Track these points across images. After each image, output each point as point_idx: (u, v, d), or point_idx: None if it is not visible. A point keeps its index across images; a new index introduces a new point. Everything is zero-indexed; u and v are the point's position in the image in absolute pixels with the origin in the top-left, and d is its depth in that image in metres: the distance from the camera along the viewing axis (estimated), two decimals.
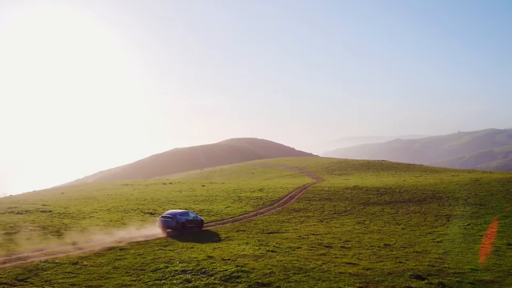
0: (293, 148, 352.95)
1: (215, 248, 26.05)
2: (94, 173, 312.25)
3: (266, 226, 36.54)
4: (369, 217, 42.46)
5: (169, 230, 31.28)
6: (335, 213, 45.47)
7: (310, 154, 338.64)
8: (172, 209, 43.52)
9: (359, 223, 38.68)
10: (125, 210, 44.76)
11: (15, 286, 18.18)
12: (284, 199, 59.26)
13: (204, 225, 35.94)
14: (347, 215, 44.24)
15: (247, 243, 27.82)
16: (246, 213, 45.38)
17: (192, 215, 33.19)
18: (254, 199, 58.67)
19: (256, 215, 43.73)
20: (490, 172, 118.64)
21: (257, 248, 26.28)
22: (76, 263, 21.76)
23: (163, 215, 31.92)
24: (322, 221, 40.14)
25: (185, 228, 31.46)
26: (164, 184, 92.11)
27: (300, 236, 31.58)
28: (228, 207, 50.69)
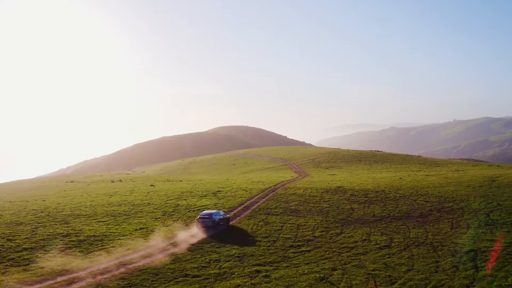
0: (286, 136, 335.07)
1: None
2: (78, 162, 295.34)
3: None
4: (344, 259, 25.32)
5: (204, 228, 32.95)
6: (291, 246, 28.52)
7: (303, 143, 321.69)
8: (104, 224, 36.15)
9: (321, 279, 21.49)
10: None
11: None
12: (236, 210, 42.37)
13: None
14: (309, 251, 27.19)
15: None
16: (147, 248, 28.12)
17: (221, 213, 35.31)
18: (195, 211, 41.80)
19: (152, 256, 26.12)
20: (498, 166, 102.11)
21: None
22: None
23: (200, 216, 33.98)
24: (258, 272, 23.02)
25: (218, 226, 33.77)
26: (112, 182, 75.32)
27: None
28: (141, 228, 33.86)
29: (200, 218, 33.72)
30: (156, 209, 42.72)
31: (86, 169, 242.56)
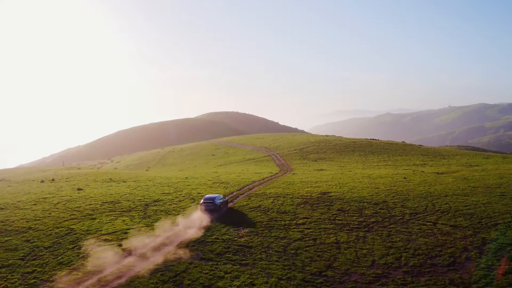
0: (277, 122, 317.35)
1: None
2: (62, 150, 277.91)
3: None
4: None
5: (208, 212, 33.31)
6: None
7: (295, 129, 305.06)
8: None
9: None
10: None
11: None
12: (152, 244, 26.15)
13: None
14: None
15: None
16: None
17: (221, 197, 35.88)
18: (85, 245, 25.52)
19: None
20: None
21: None
22: None
23: (204, 200, 34.59)
24: None
25: (220, 209, 34.45)
26: (42, 182, 58.98)
27: None
28: None
29: (203, 202, 34.61)
30: (27, 240, 26.37)
31: (65, 158, 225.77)
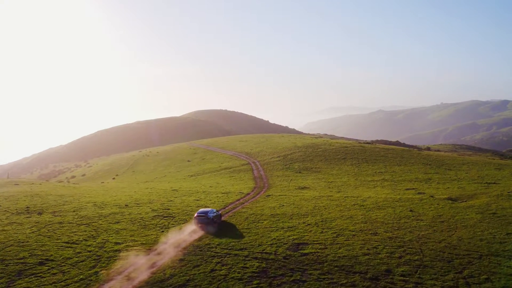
0: (267, 121, 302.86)
1: None
2: (43, 150, 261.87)
3: None
4: None
5: (201, 225, 33.86)
6: None
7: (286, 128, 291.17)
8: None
9: None
10: None
11: None
12: None
13: None
14: None
15: None
16: None
17: (214, 211, 36.07)
18: None
19: None
20: None
21: None
22: None
23: (197, 214, 35.01)
24: None
25: (214, 223, 34.72)
26: None
27: None
28: None
29: (197, 216, 34.94)
30: None
31: (42, 159, 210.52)
